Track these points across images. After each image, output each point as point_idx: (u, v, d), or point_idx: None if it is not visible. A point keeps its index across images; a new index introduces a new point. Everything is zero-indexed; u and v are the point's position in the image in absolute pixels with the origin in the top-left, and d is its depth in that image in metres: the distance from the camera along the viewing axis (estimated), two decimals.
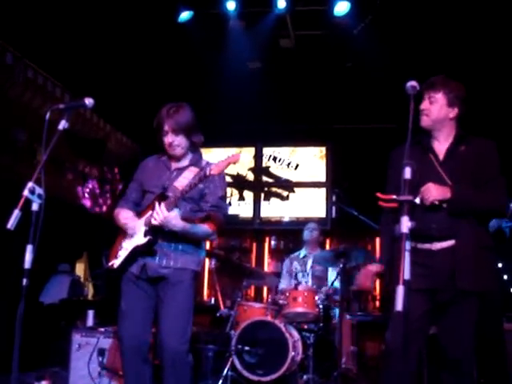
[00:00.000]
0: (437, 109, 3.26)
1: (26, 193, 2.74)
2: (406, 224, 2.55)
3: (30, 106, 6.73)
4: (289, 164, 9.00)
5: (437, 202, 3.03)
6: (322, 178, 8.91)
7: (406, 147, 2.74)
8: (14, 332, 5.51)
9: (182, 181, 3.44)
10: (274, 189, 8.97)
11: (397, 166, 2.93)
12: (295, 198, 8.98)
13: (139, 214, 3.57)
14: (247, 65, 7.59)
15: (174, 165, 3.62)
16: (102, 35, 6.56)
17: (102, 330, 5.23)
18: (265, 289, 8.75)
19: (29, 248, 2.77)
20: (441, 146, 3.30)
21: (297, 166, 8.99)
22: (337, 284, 5.81)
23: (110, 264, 3.59)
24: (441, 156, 3.27)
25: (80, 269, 8.47)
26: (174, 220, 3.32)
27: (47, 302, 6.91)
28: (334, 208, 5.53)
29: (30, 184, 2.76)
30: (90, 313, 5.52)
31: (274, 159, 9.07)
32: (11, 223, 2.69)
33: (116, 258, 3.57)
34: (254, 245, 9.22)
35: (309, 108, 8.38)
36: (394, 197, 2.94)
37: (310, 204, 8.87)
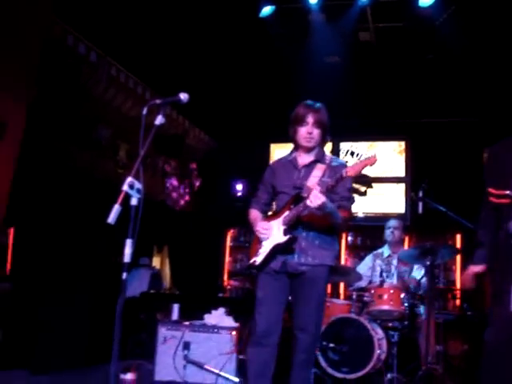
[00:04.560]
0: None
1: (125, 188, 2.75)
2: None
3: (113, 103, 6.88)
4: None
5: None
6: (401, 173, 8.74)
7: None
8: (97, 324, 5.73)
9: (313, 180, 3.61)
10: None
11: (502, 160, 2.79)
12: (373, 193, 8.82)
13: (274, 214, 3.80)
14: (325, 59, 7.51)
15: (301, 161, 3.78)
16: (184, 32, 6.64)
17: (187, 323, 5.29)
18: (341, 285, 8.65)
19: (128, 242, 2.77)
20: None
21: None
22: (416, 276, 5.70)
23: (251, 261, 3.78)
24: None
25: (156, 262, 8.61)
26: (328, 203, 3.43)
27: (128, 295, 7.05)
28: (420, 204, 5.36)
29: (130, 179, 2.77)
30: (175, 306, 5.60)
31: (352, 154, 8.95)
32: (112, 218, 2.70)
33: (256, 255, 3.75)
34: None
35: (387, 102, 8.25)
36: (508, 192, 2.80)
37: (389, 200, 8.73)
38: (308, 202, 3.37)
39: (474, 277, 3.30)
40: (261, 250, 3.73)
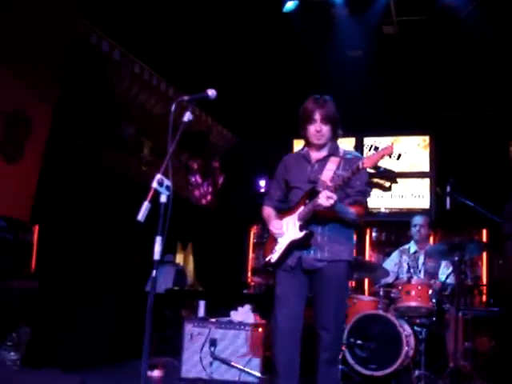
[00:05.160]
0: None
1: (154, 185, 2.74)
2: None
3: (137, 100, 6.89)
4: (391, 154, 8.75)
5: None
6: (426, 168, 8.65)
7: None
8: (122, 321, 5.74)
9: (327, 173, 3.54)
10: (375, 179, 8.76)
11: None
12: (398, 188, 8.76)
13: (289, 210, 3.70)
14: (348, 53, 7.46)
15: (314, 156, 3.70)
16: (207, 29, 6.63)
17: (214, 320, 5.29)
18: (366, 281, 8.59)
19: (158, 239, 2.76)
20: None
21: (399, 155, 8.76)
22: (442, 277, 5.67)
23: (267, 259, 3.72)
24: None
25: (179, 259, 8.62)
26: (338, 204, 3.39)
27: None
28: (448, 199, 5.30)
29: (159, 176, 2.76)
30: (202, 303, 5.60)
31: (376, 149, 8.87)
32: (141, 215, 2.69)
33: (272, 252, 3.68)
34: (355, 236, 9.01)
35: (411, 96, 8.16)
36: None
37: (413, 195, 8.65)
38: (319, 201, 3.32)
39: None
40: (276, 247, 3.67)
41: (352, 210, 3.53)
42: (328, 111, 3.57)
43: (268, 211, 3.86)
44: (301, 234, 3.53)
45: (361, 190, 3.60)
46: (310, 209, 3.47)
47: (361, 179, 3.57)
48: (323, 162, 3.64)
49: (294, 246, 3.58)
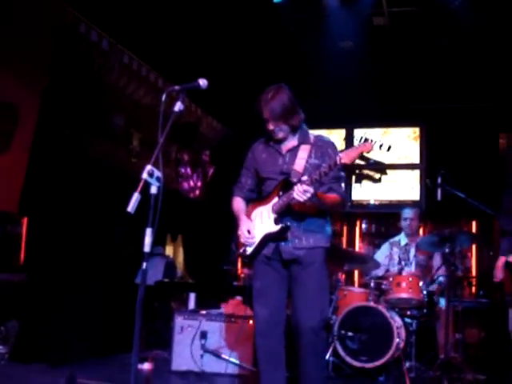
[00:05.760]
0: None
1: (144, 175, 2.68)
2: None
3: (126, 91, 6.81)
4: (381, 146, 8.76)
5: None
6: (416, 160, 8.66)
7: None
8: (111, 314, 5.70)
9: (299, 162, 3.46)
10: (365, 171, 8.76)
11: None
12: (387, 180, 8.76)
13: (262, 200, 3.60)
14: (338, 44, 7.41)
15: (284, 147, 3.58)
16: (196, 20, 6.56)
17: (204, 312, 5.26)
18: (356, 273, 8.60)
19: (148, 231, 2.71)
20: None
21: (389, 147, 8.74)
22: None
23: (241, 250, 3.61)
24: None
25: (169, 251, 8.59)
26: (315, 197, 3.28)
27: None
28: (439, 190, 5.28)
29: (149, 167, 2.70)
30: (192, 296, 5.57)
31: (365, 141, 8.84)
32: (131, 206, 2.63)
33: (247, 244, 3.57)
34: (345, 228, 9.06)
35: (401, 88, 8.14)
36: None
37: (403, 187, 8.65)
38: (294, 195, 3.22)
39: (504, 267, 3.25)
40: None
41: (328, 200, 3.45)
42: (272, 109, 3.40)
43: (238, 205, 3.72)
44: (276, 228, 3.44)
45: (334, 177, 3.47)
46: (285, 201, 3.38)
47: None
48: (294, 151, 3.53)
49: (268, 238, 3.48)
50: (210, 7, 6.46)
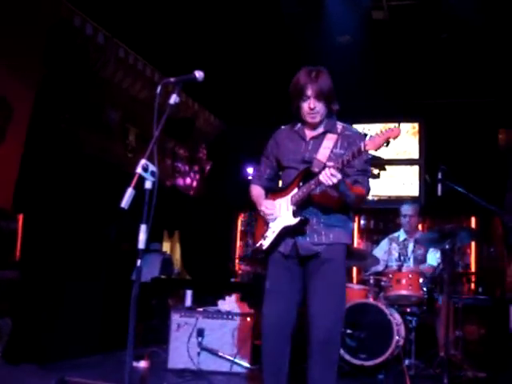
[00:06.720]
0: None
1: (139, 170, 2.60)
2: None
3: (122, 85, 6.75)
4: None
5: None
6: (415, 155, 8.61)
7: None
8: (108, 311, 5.65)
9: (323, 152, 3.27)
10: None
11: None
12: (386, 175, 8.69)
13: (280, 191, 3.43)
14: (337, 38, 7.34)
15: (309, 133, 3.40)
16: (192, 13, 6.48)
17: (201, 310, 5.20)
18: (354, 269, 8.53)
19: (142, 228, 2.64)
20: None
21: (388, 142, 8.65)
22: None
23: (258, 244, 3.45)
24: None
25: (166, 247, 8.53)
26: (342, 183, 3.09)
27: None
28: (439, 186, 5.22)
29: (144, 161, 2.62)
30: (189, 293, 5.51)
31: (365, 136, 8.77)
32: (125, 202, 2.56)
33: (263, 238, 3.42)
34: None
35: (400, 82, 8.07)
36: None
37: (402, 182, 8.60)
38: (321, 178, 3.01)
39: None
40: (268, 233, 3.39)
41: (353, 191, 3.23)
42: (322, 86, 3.23)
43: (257, 191, 3.58)
44: (295, 221, 3.25)
45: (361, 169, 3.29)
46: (305, 192, 3.21)
47: (361, 158, 3.16)
48: (319, 139, 3.34)
49: (286, 231, 3.30)
50: (208, 1, 6.37)
